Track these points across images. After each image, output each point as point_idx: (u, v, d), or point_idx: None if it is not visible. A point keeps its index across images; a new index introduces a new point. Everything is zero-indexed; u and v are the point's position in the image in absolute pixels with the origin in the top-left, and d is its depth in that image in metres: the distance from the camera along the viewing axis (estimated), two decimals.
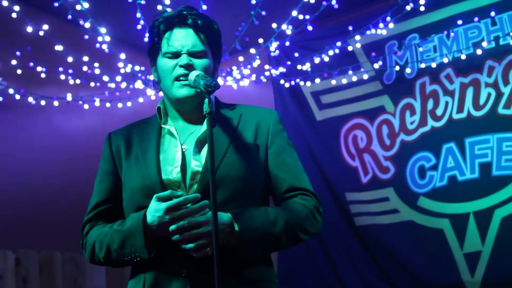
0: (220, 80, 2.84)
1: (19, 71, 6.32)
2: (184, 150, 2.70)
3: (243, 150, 2.70)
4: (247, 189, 2.66)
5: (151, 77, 6.99)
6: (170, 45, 2.73)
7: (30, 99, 6.45)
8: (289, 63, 7.38)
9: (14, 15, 5.89)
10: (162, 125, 2.80)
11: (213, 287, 2.30)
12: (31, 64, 6.34)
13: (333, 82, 7.38)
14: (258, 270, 2.63)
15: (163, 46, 2.74)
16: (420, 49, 6.86)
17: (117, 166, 2.80)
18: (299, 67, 7.30)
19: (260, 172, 2.73)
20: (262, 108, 2.93)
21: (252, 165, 2.70)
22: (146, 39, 6.46)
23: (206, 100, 2.45)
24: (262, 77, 7.47)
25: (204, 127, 2.71)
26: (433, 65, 6.78)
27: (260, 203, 2.72)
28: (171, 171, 2.65)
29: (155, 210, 2.48)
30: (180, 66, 2.69)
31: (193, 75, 2.64)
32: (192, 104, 2.76)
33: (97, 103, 6.96)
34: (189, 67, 2.68)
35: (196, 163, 2.64)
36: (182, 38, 2.73)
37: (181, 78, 2.69)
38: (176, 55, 2.72)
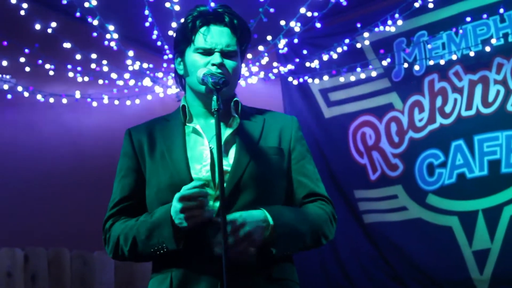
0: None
1: (27, 69, 6.33)
2: (211, 148, 2.68)
3: (269, 153, 2.72)
4: (271, 192, 2.68)
5: (160, 75, 7.09)
6: (205, 41, 2.71)
7: (39, 97, 6.46)
8: (297, 60, 7.38)
9: (22, 12, 5.89)
10: (187, 123, 2.78)
11: (243, 285, 2.33)
12: (40, 61, 6.34)
13: (342, 79, 7.37)
14: (283, 268, 2.65)
15: (197, 40, 2.72)
16: (429, 46, 6.85)
17: (140, 163, 2.76)
18: (307, 64, 7.30)
19: (283, 175, 2.75)
20: (283, 114, 2.97)
21: (277, 168, 2.72)
22: (154, 37, 6.49)
23: (214, 98, 2.46)
24: (270, 74, 7.46)
25: (229, 127, 2.75)
26: (442, 62, 6.76)
27: (283, 204, 2.72)
28: (200, 170, 2.63)
29: (173, 204, 2.47)
30: (213, 64, 2.68)
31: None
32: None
33: (105, 100, 6.96)
34: (221, 67, 2.68)
35: (225, 163, 2.61)
36: (217, 36, 2.72)
37: None
38: (208, 52, 2.71)
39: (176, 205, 2.44)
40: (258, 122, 2.82)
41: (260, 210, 2.52)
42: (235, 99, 2.81)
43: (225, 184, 2.56)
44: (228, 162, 2.64)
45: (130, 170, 2.78)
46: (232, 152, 2.67)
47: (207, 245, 2.48)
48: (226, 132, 2.71)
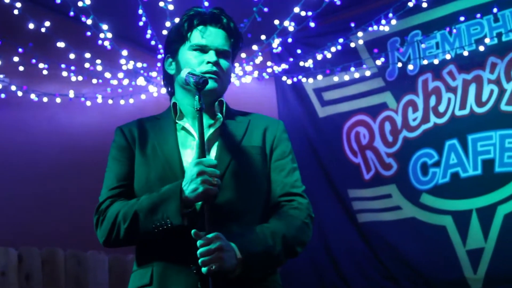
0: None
1: (21, 68, 6.32)
2: None
3: (251, 153, 2.74)
4: (253, 190, 2.70)
5: (154, 74, 7.08)
6: (202, 37, 2.75)
7: (33, 96, 6.45)
8: (291, 59, 7.39)
9: (16, 11, 5.87)
10: (177, 121, 2.80)
11: (225, 285, 2.34)
12: (33, 61, 6.33)
13: (336, 78, 7.37)
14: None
15: (193, 38, 2.76)
16: (423, 45, 6.86)
17: (132, 154, 2.78)
18: (301, 63, 7.29)
19: (265, 175, 2.77)
20: (271, 117, 2.98)
21: (259, 168, 2.74)
22: (148, 36, 6.48)
23: (196, 97, 2.51)
24: (264, 74, 7.46)
25: (214, 124, 2.77)
26: (436, 61, 6.77)
27: (264, 204, 2.75)
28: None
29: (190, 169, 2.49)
30: (208, 62, 2.71)
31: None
32: (210, 99, 2.78)
33: (99, 100, 6.96)
34: (216, 65, 2.72)
35: None
36: (213, 35, 2.77)
37: (207, 75, 2.69)
38: (204, 49, 2.75)
39: (192, 168, 2.46)
40: (243, 122, 2.84)
41: (231, 244, 2.48)
42: (219, 99, 2.83)
43: None
44: None
45: (124, 159, 2.79)
46: (214, 150, 2.70)
47: (188, 240, 2.46)
48: (209, 131, 2.74)
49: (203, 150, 2.43)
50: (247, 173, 2.68)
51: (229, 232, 2.51)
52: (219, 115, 2.80)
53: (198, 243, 2.38)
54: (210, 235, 2.40)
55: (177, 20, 2.86)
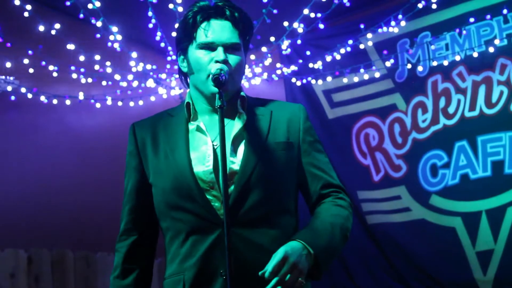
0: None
1: (31, 70, 6.34)
2: (215, 147, 2.65)
3: (278, 149, 2.68)
4: (281, 190, 2.66)
5: (163, 76, 7.09)
6: (207, 36, 2.67)
7: (42, 98, 6.46)
8: (300, 61, 7.38)
9: (26, 14, 5.90)
10: (191, 121, 2.74)
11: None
12: (43, 63, 6.35)
13: (345, 80, 7.37)
14: None
15: (199, 36, 2.69)
16: (432, 47, 6.85)
17: (143, 161, 2.75)
18: (310, 65, 7.29)
19: (294, 170, 2.73)
20: (291, 103, 2.92)
21: (287, 164, 2.69)
22: (157, 38, 6.49)
23: (217, 95, 2.45)
24: (273, 76, 7.46)
25: (237, 123, 2.70)
26: (445, 63, 6.76)
27: (294, 201, 2.73)
28: (203, 171, 2.60)
29: None
30: (217, 61, 2.63)
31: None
32: (225, 98, 2.66)
33: (109, 101, 6.97)
34: (225, 63, 2.63)
35: (234, 161, 2.62)
36: (219, 30, 2.68)
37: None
38: (211, 46, 2.67)
39: None
40: (266, 116, 2.77)
41: (296, 241, 2.48)
42: (241, 94, 2.77)
43: (232, 186, 2.55)
44: (237, 161, 2.61)
45: (134, 170, 2.77)
46: (241, 150, 2.64)
47: (219, 248, 2.49)
48: (234, 130, 2.67)
49: (224, 151, 2.36)
50: (275, 172, 2.63)
51: (263, 234, 2.53)
52: (242, 112, 2.73)
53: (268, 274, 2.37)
54: (275, 261, 2.39)
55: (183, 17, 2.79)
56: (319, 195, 2.75)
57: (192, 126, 2.74)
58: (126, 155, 2.83)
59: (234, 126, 2.69)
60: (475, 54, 6.57)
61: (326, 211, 2.69)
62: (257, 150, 2.63)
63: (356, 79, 7.28)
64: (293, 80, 7.60)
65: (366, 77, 7.22)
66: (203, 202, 2.55)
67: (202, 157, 2.63)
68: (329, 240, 2.56)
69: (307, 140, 2.79)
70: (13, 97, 6.22)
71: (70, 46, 6.29)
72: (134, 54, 6.67)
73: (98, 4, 5.89)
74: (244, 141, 2.66)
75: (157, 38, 6.54)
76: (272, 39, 6.84)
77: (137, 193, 2.76)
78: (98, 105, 6.94)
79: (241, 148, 2.64)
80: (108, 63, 6.72)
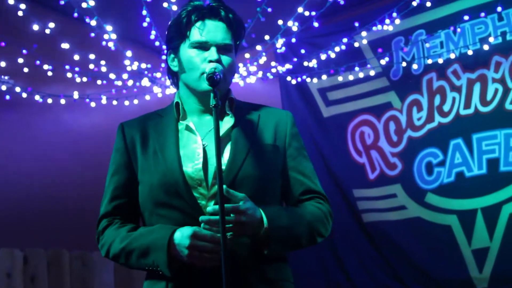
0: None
1: (25, 70, 6.33)
2: (205, 146, 2.67)
3: (264, 151, 2.70)
4: (267, 190, 2.68)
5: (158, 75, 7.08)
6: (201, 35, 2.68)
7: (37, 97, 6.46)
8: (295, 59, 7.38)
9: (20, 13, 5.89)
10: (180, 120, 2.76)
11: (238, 286, 2.33)
12: (38, 62, 6.33)
13: (340, 78, 7.38)
14: (276, 268, 2.65)
15: (192, 35, 2.70)
16: (427, 45, 6.85)
17: (132, 159, 2.75)
18: (305, 63, 7.29)
19: (278, 172, 2.74)
20: (278, 109, 2.94)
21: (272, 166, 2.71)
22: (152, 37, 6.48)
23: (212, 94, 2.45)
24: (268, 74, 7.46)
25: (225, 123, 2.72)
26: (440, 61, 6.76)
27: (278, 202, 2.75)
28: (192, 169, 2.62)
29: (181, 239, 2.47)
30: (210, 61, 2.65)
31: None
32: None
33: (103, 101, 6.96)
34: (218, 62, 2.65)
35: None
36: (213, 30, 2.70)
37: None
38: (204, 46, 2.68)
39: (185, 240, 2.44)
40: (253, 118, 2.79)
41: (259, 210, 2.51)
42: (230, 96, 2.80)
43: (217, 184, 2.53)
44: (223, 161, 2.61)
45: (122, 167, 2.77)
46: (227, 150, 2.66)
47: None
48: (221, 130, 2.68)
49: (219, 149, 2.35)
50: (261, 172, 2.64)
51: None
52: (230, 113, 2.76)
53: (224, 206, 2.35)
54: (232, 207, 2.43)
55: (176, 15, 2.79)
56: (298, 200, 2.78)
57: (181, 125, 2.76)
58: (113, 152, 2.83)
59: (222, 126, 2.70)
60: (470, 52, 6.56)
61: (303, 208, 2.73)
62: (243, 151, 2.65)
63: (351, 77, 7.29)
64: (288, 78, 7.60)
65: (361, 75, 7.22)
66: (190, 199, 2.57)
67: (191, 155, 2.66)
68: (290, 226, 2.58)
69: (293, 145, 2.82)
70: (7, 97, 6.21)
71: (65, 45, 6.29)
72: (128, 53, 6.67)
73: (92, 3, 5.89)
74: (230, 141, 2.68)
75: (152, 37, 6.53)
76: (267, 37, 6.84)
77: (124, 191, 2.76)
78: (93, 104, 6.94)
79: (228, 148, 2.67)
80: (102, 62, 6.71)
